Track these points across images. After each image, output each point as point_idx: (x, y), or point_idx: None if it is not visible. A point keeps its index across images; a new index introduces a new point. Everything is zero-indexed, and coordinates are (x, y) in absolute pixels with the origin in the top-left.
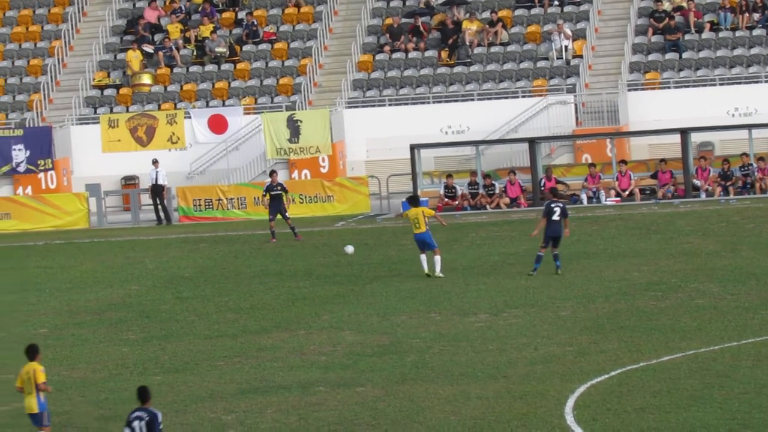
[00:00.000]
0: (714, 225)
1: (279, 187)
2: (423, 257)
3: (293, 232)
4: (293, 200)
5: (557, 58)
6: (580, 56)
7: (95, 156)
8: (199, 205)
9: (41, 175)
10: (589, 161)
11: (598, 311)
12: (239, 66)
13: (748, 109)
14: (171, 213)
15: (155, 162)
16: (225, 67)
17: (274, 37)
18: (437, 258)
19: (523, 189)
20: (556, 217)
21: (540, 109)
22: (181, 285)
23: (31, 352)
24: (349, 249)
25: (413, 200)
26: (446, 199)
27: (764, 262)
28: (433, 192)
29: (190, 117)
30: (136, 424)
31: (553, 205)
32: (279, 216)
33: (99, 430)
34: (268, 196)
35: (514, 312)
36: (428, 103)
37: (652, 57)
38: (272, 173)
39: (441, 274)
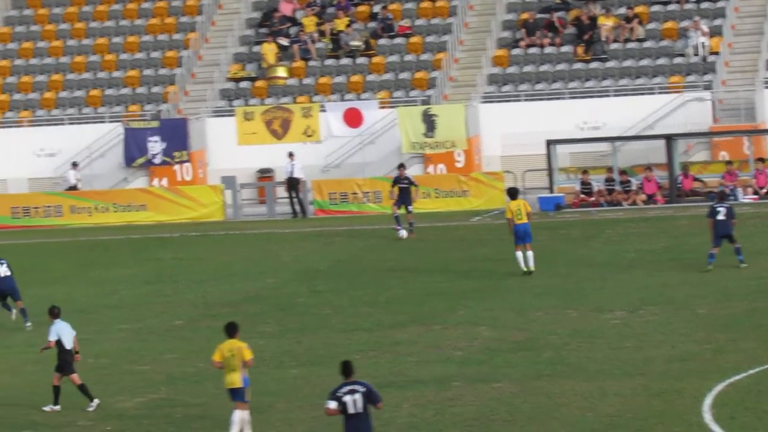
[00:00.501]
0: None
1: (406, 181)
2: (519, 255)
3: (410, 227)
4: (427, 194)
5: (694, 55)
6: (717, 53)
7: (231, 148)
8: (335, 198)
9: (177, 167)
10: (727, 159)
11: (735, 309)
12: (374, 60)
13: None
14: (306, 206)
15: (291, 155)
16: (360, 60)
17: (409, 32)
18: (530, 253)
19: (659, 186)
20: (721, 217)
21: (676, 106)
22: (316, 278)
23: (231, 330)
24: (402, 233)
25: (513, 192)
26: (582, 195)
27: None
28: (568, 188)
29: (325, 110)
30: (348, 398)
31: (716, 206)
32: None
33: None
34: (396, 189)
35: (651, 309)
36: (564, 98)
37: None
38: (400, 166)
39: (534, 268)
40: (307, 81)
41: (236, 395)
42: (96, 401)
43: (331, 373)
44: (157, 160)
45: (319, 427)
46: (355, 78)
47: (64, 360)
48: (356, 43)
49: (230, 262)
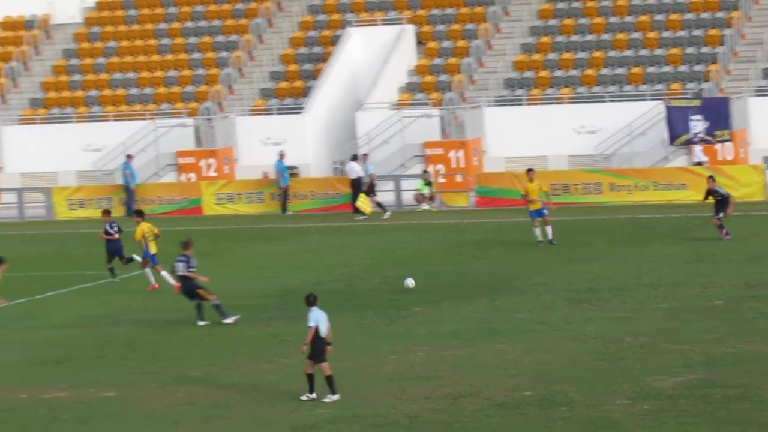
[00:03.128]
0: None
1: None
2: None
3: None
4: None
5: None
6: None
7: None
8: None
9: (718, 146)
10: None
11: None
12: None
13: None
14: None
15: None
16: None
17: None
18: None
19: None
20: None
21: None
22: None
23: None
24: (409, 282)
25: None
26: None
27: None
28: None
29: None
30: None
31: None
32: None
33: None
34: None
35: None
36: None
37: None
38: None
39: None
40: None
41: None
42: (336, 396)
43: None
44: (697, 139)
45: None
46: None
47: (318, 348)
48: None
49: None
